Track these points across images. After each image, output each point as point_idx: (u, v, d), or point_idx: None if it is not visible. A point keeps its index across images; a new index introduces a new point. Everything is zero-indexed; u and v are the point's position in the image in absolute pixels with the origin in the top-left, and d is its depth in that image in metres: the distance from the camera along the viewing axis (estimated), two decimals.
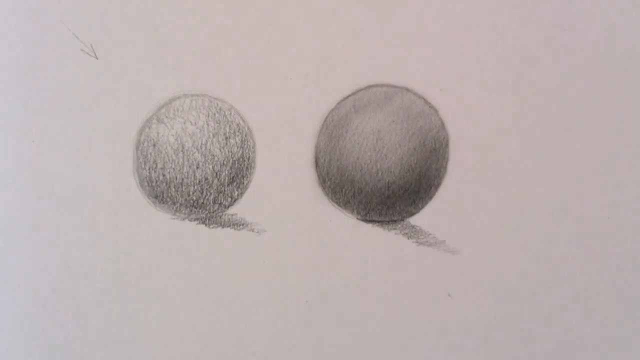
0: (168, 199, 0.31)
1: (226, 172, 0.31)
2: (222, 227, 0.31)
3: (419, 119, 0.30)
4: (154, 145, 0.31)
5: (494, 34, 0.30)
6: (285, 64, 0.32)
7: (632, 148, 0.31)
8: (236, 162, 0.31)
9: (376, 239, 0.31)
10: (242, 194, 0.31)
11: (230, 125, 0.31)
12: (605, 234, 0.30)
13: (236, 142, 0.31)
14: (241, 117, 0.31)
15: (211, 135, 0.31)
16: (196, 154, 0.31)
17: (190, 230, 0.31)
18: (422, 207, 0.31)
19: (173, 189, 0.31)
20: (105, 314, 0.31)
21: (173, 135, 0.31)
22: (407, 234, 0.31)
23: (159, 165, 0.31)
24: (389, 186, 0.31)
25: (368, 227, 0.31)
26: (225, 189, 0.31)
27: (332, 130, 0.31)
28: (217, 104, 0.31)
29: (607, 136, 0.31)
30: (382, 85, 0.31)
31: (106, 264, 0.31)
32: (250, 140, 0.31)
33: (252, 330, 0.31)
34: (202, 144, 0.31)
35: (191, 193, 0.31)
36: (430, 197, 0.31)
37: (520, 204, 0.30)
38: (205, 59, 0.31)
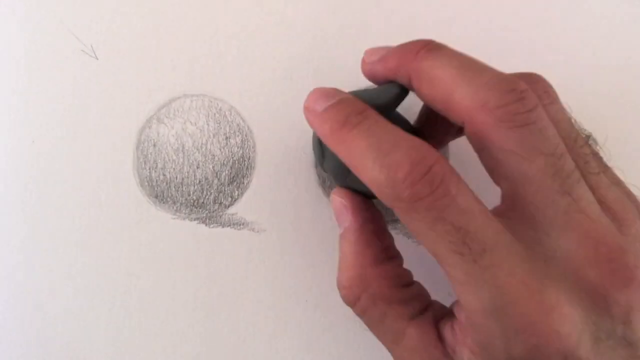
0: (168, 199, 0.31)
1: (226, 171, 0.31)
2: (222, 227, 0.31)
3: None
4: (154, 145, 0.31)
5: (492, 35, 0.30)
6: (285, 64, 0.32)
7: (631, 149, 0.31)
8: (236, 162, 0.31)
9: None
10: (242, 193, 0.31)
11: (230, 125, 0.31)
12: None
13: (236, 142, 0.31)
14: (241, 117, 0.31)
15: (211, 135, 0.31)
16: (196, 153, 0.31)
17: (190, 230, 0.31)
18: None
19: (173, 189, 0.31)
20: (105, 313, 0.31)
21: (173, 135, 0.31)
22: (407, 233, 0.31)
23: (159, 165, 0.31)
24: None
25: None
26: (226, 189, 0.31)
27: None
28: (217, 104, 0.31)
29: (607, 137, 0.31)
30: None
31: (106, 264, 0.31)
32: (251, 140, 0.31)
33: (252, 330, 0.31)
34: (202, 143, 0.31)
35: (191, 193, 0.31)
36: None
37: None
38: (205, 59, 0.31)
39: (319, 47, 0.32)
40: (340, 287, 0.25)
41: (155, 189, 0.31)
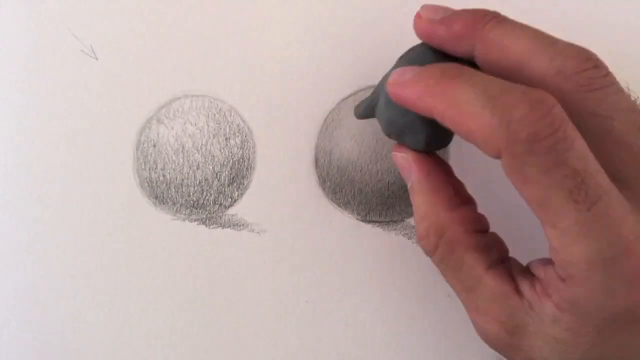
0: (168, 200, 0.31)
1: (226, 172, 0.31)
2: (222, 228, 0.31)
3: None
4: (154, 146, 0.31)
5: None
6: (285, 64, 0.32)
7: None
8: (236, 162, 0.31)
9: (376, 239, 0.31)
10: (242, 194, 0.31)
11: (230, 126, 0.31)
12: None
13: (236, 143, 0.31)
14: (241, 118, 0.31)
15: (211, 135, 0.31)
16: (196, 154, 0.31)
17: (190, 231, 0.31)
18: None
19: (173, 190, 0.31)
20: (105, 314, 0.31)
21: (173, 136, 0.31)
22: (407, 234, 0.31)
23: (159, 166, 0.31)
24: (389, 186, 0.31)
25: (368, 227, 0.31)
26: (226, 190, 0.31)
27: (332, 131, 0.31)
28: (217, 105, 0.31)
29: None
30: None
31: (106, 265, 0.31)
32: (251, 141, 0.31)
33: (252, 330, 0.31)
34: (202, 144, 0.31)
35: (191, 194, 0.31)
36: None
37: (520, 203, 0.30)
38: (205, 59, 0.31)
39: (319, 47, 0.32)
40: (418, 238, 0.24)
41: (155, 189, 0.31)
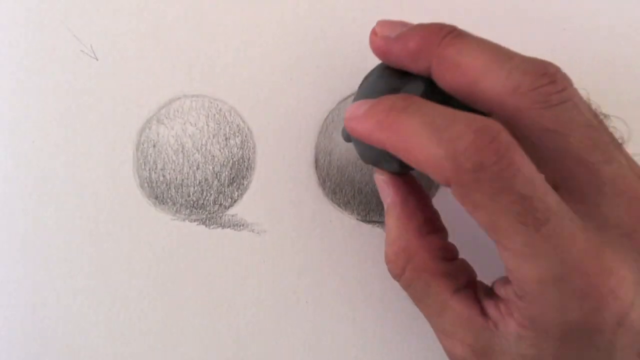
0: (168, 200, 0.31)
1: (226, 172, 0.31)
2: (222, 228, 0.31)
3: None
4: (154, 146, 0.31)
5: (493, 34, 0.30)
6: (285, 64, 0.31)
7: (632, 146, 0.31)
8: (236, 162, 0.31)
9: (376, 239, 0.31)
10: (242, 194, 0.31)
11: (230, 126, 0.31)
12: None
13: (236, 143, 0.31)
14: (241, 118, 0.31)
15: (211, 136, 0.31)
16: (196, 154, 0.31)
17: (190, 231, 0.31)
18: None
19: (173, 190, 0.31)
20: (105, 314, 0.31)
21: (173, 136, 0.31)
22: None
23: (159, 166, 0.31)
24: None
25: (368, 227, 0.31)
26: (226, 190, 0.31)
27: (332, 131, 0.31)
28: (217, 105, 0.31)
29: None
30: None
31: (106, 265, 0.31)
32: (251, 141, 0.31)
33: (252, 330, 0.31)
34: (202, 144, 0.31)
35: (191, 194, 0.31)
36: (430, 198, 0.31)
37: None
38: (205, 59, 0.31)
39: (319, 47, 0.32)
40: (386, 261, 0.25)
41: (155, 190, 0.31)
